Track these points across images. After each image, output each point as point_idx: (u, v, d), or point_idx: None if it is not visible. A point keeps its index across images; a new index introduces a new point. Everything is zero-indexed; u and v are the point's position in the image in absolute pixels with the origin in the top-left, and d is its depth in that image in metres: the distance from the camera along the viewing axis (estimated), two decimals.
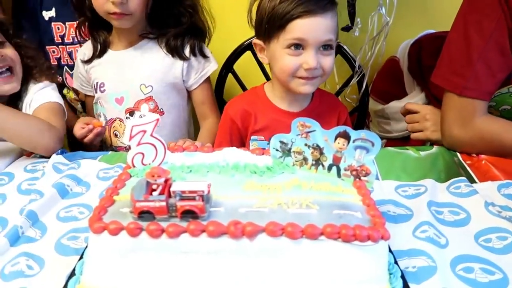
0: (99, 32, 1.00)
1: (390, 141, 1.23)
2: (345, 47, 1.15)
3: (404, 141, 1.21)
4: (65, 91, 1.20)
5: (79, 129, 0.95)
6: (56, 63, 1.19)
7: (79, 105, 1.23)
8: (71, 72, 1.18)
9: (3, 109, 0.81)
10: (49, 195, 0.67)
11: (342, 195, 0.50)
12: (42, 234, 0.59)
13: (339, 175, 0.54)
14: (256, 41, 0.85)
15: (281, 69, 0.80)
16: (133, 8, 0.90)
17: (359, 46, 1.12)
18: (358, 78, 1.14)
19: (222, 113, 0.93)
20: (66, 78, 1.20)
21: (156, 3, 0.96)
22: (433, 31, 1.21)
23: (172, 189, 0.45)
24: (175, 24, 0.99)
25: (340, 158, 0.54)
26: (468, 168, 0.77)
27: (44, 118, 0.86)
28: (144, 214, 0.45)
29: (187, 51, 0.99)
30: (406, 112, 1.02)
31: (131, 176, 0.55)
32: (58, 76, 1.16)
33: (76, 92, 1.21)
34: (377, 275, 0.45)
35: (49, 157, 0.83)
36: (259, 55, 0.87)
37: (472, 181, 0.72)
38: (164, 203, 0.45)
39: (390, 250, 0.53)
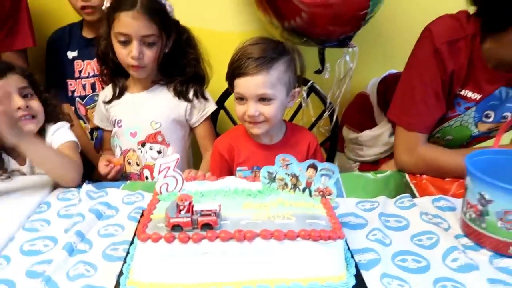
0: (119, 79, 1.22)
1: (363, 164, 1.45)
2: (317, 86, 1.38)
3: (374, 164, 1.43)
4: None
5: (103, 168, 1.14)
6: (70, 94, 1.41)
7: (88, 134, 1.44)
8: (82, 102, 1.41)
9: (46, 147, 1.00)
10: (89, 218, 0.85)
11: (312, 209, 0.71)
12: (90, 247, 0.78)
13: (310, 195, 0.75)
14: None
15: (236, 114, 1.01)
16: (147, 61, 1.12)
17: (329, 86, 1.36)
18: (330, 112, 1.37)
19: (213, 147, 1.12)
20: (78, 108, 1.42)
21: (166, 56, 1.17)
22: (395, 71, 1.45)
23: (194, 209, 0.65)
24: (181, 73, 1.20)
25: (311, 183, 0.75)
26: (412, 187, 0.99)
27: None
28: (175, 227, 0.65)
29: (190, 95, 1.20)
30: None
31: (159, 201, 0.74)
32: (71, 106, 1.40)
33: (86, 120, 1.42)
34: (338, 264, 0.66)
35: (72, 187, 1.01)
36: None
37: (414, 196, 0.95)
38: (189, 219, 0.65)
39: (348, 248, 0.74)
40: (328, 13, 1.01)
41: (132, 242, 0.76)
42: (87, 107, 1.41)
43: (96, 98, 1.36)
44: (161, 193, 0.76)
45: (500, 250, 0.73)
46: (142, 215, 0.86)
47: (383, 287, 0.66)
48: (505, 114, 1.02)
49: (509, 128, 1.06)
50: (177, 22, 1.18)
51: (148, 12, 1.07)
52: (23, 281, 0.69)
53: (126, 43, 1.09)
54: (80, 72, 1.40)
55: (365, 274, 0.69)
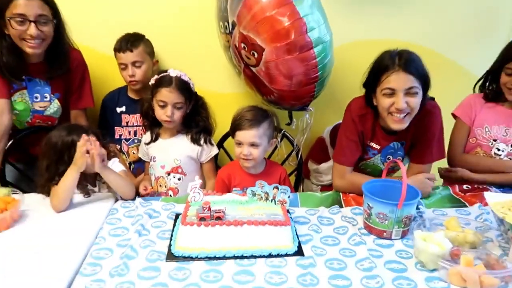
0: (156, 129, 1.81)
1: (323, 187, 2.05)
2: (288, 133, 1.99)
3: (330, 186, 2.02)
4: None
5: (143, 191, 1.73)
6: (118, 137, 2.01)
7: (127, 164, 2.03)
8: (126, 143, 2.01)
9: (118, 174, 1.56)
10: (144, 217, 1.42)
11: (275, 211, 1.30)
12: (148, 233, 1.34)
13: (275, 203, 1.34)
14: None
15: (235, 153, 1.60)
16: (176, 119, 1.72)
17: (296, 134, 1.98)
18: (296, 152, 1.98)
19: (217, 175, 1.72)
20: (123, 147, 2.02)
21: (187, 114, 1.77)
22: None
23: (211, 209, 1.24)
24: (196, 125, 1.80)
25: (275, 197, 1.34)
26: (342, 201, 1.59)
27: None
28: (202, 219, 1.23)
29: (202, 141, 1.80)
30: None
31: (190, 206, 1.32)
32: (117, 145, 1.98)
33: (127, 155, 2.02)
34: (288, 239, 1.24)
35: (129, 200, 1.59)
36: None
37: (341, 206, 1.54)
38: (209, 214, 1.23)
39: (296, 234, 1.32)
40: (290, 95, 1.63)
41: (173, 230, 1.33)
42: (129, 146, 2.02)
43: (136, 141, 1.97)
44: (191, 201, 1.34)
45: (379, 234, 1.32)
46: (176, 216, 1.43)
47: (311, 252, 1.24)
48: (398, 157, 1.64)
49: (393, 167, 1.68)
50: (196, 92, 1.80)
51: (179, 88, 1.68)
52: (117, 249, 1.25)
53: (163, 107, 1.70)
54: (127, 122, 2.01)
55: (303, 246, 1.27)
